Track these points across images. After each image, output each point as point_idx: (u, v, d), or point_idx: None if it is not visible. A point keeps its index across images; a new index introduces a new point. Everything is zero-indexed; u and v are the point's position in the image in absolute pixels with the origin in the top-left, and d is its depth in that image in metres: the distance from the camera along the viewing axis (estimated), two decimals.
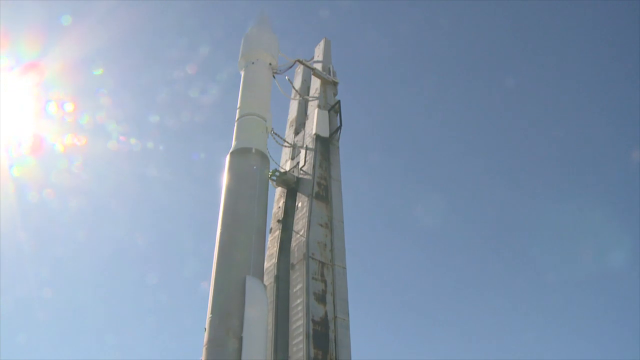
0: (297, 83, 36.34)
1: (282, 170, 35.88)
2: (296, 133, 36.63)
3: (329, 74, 35.18)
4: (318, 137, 34.13)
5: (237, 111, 32.65)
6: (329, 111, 34.14)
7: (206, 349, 32.16)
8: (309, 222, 33.69)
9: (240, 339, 30.98)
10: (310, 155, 35.07)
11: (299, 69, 36.63)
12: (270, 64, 32.05)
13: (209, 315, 32.53)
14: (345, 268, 33.86)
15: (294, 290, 33.04)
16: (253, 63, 31.85)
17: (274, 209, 37.61)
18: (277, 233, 36.48)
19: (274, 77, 32.42)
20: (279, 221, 36.59)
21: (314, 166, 34.64)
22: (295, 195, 36.11)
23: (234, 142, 33.10)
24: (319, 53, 36.31)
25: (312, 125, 34.58)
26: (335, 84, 35.25)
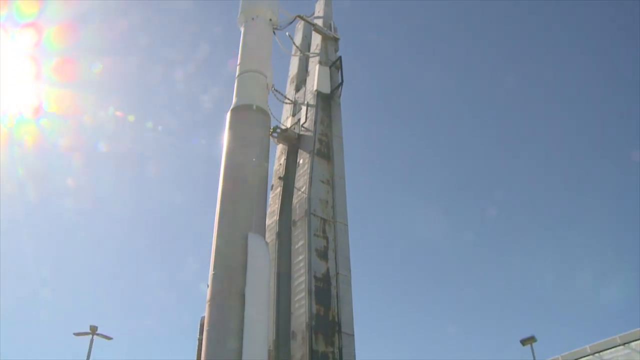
0: (298, 39, 35.62)
1: (283, 127, 35.46)
2: (297, 90, 36.07)
3: (330, 30, 34.41)
4: (319, 94, 33.59)
5: (237, 68, 32.04)
6: (330, 67, 33.49)
7: (209, 305, 32.34)
8: (311, 178, 33.47)
9: (243, 295, 31.12)
10: (312, 111, 34.61)
11: (300, 25, 35.86)
12: (270, 19, 31.29)
13: (211, 271, 32.60)
14: (346, 225, 33.79)
15: (296, 247, 32.91)
16: (253, 19, 31.12)
17: (275, 166, 37.34)
18: (279, 190, 36.31)
19: (274, 33, 31.72)
20: (280, 178, 36.38)
21: (315, 123, 34.23)
22: (297, 152, 35.77)
23: (234, 99, 32.60)
24: (319, 9, 35.48)
25: (313, 82, 33.98)
26: (336, 40, 34.49)
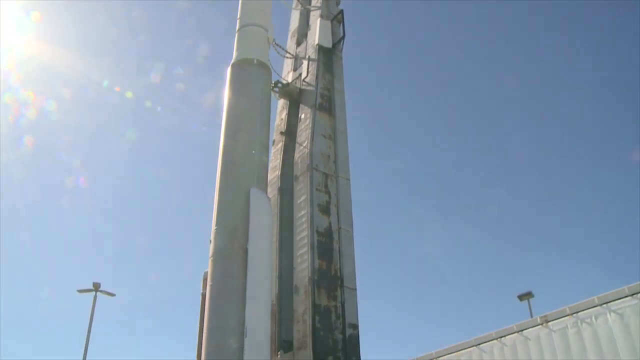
0: None
1: (284, 82, 34.83)
2: (298, 44, 35.29)
3: None
4: (320, 48, 32.91)
5: (237, 22, 31.25)
6: (331, 21, 32.69)
7: (212, 260, 32.27)
8: (313, 133, 33.03)
9: (246, 250, 31.04)
10: (313, 66, 33.94)
11: None
12: None
13: (213, 227, 32.43)
14: (349, 179, 33.49)
15: (298, 201, 32.86)
16: None
17: (277, 121, 36.85)
18: (280, 145, 35.90)
19: None
20: (281, 133, 35.91)
21: (316, 77, 33.59)
22: (298, 106, 35.21)
23: (234, 53, 31.91)
24: None
25: (315, 36, 33.22)
26: None
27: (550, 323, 12.46)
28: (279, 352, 31.37)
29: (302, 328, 30.28)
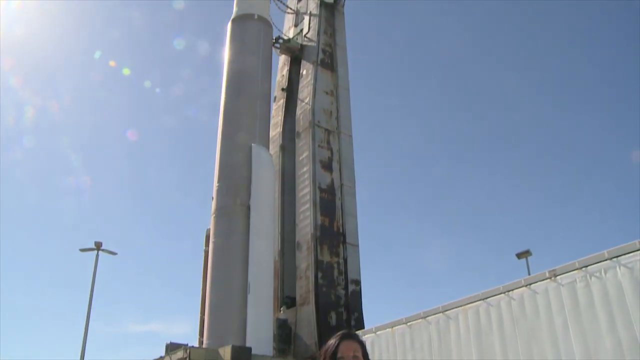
0: None
1: (285, 38, 34.10)
2: None
3: None
4: (322, 3, 32.17)
5: None
6: None
7: (214, 217, 32.16)
8: (314, 89, 32.46)
9: (248, 207, 30.88)
10: (315, 21, 33.19)
11: None
12: None
13: (216, 184, 32.19)
14: (351, 136, 33.09)
15: (300, 158, 32.76)
16: None
17: (278, 77, 36.24)
18: (282, 102, 35.41)
19: None
20: (283, 89, 35.38)
21: (318, 33, 32.91)
22: (300, 62, 34.59)
23: (234, 8, 31.20)
24: None
25: None
26: None
27: (558, 277, 12.28)
28: (281, 308, 31.52)
29: (305, 284, 30.34)
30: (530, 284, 12.54)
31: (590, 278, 11.70)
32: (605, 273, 11.54)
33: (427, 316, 14.59)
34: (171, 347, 30.65)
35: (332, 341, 2.85)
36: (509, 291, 12.86)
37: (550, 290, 12.16)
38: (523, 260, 28.23)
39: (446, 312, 14.09)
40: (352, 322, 27.79)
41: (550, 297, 12.12)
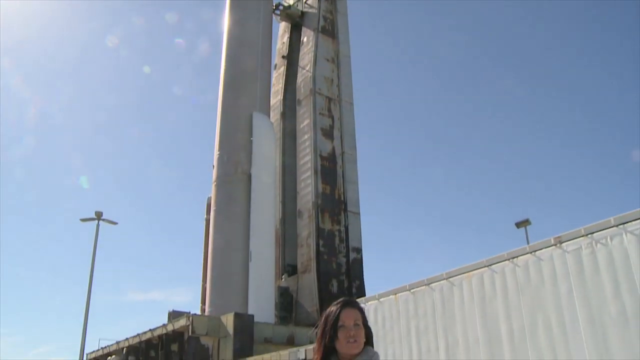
0: None
1: (285, 4, 33.58)
2: None
3: None
4: None
5: None
6: None
7: (215, 185, 32.09)
8: (315, 57, 32.03)
9: (249, 175, 30.83)
10: None
11: None
12: None
13: (216, 152, 32.07)
14: (352, 104, 32.79)
15: (301, 126, 32.75)
16: None
17: (278, 45, 35.81)
18: (282, 69, 35.06)
19: None
20: (283, 57, 35.01)
21: None
22: (300, 30, 34.16)
23: None
24: None
25: None
26: None
27: (564, 244, 12.19)
28: (283, 276, 31.67)
29: (306, 252, 30.40)
30: (535, 251, 12.43)
31: (596, 245, 11.58)
32: (611, 240, 11.43)
33: (431, 283, 14.53)
34: (173, 315, 30.85)
35: (333, 308, 2.81)
36: (513, 258, 12.76)
37: (555, 257, 12.06)
38: (522, 229, 28.41)
39: (450, 279, 14.03)
40: (353, 290, 27.90)
41: (555, 264, 12.03)
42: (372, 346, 2.95)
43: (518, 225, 27.59)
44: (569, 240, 12.04)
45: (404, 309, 15.03)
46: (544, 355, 11.92)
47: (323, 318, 2.85)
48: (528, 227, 27.55)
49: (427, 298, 14.55)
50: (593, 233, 11.91)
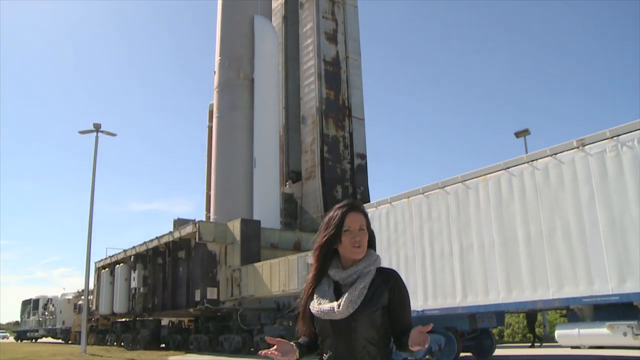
0: None
1: None
2: None
3: None
4: None
5: None
6: None
7: (217, 91, 31.24)
8: None
9: (252, 80, 29.98)
10: None
11: None
12: None
13: (217, 57, 31.01)
14: (356, 6, 31.20)
15: (304, 30, 31.47)
16: None
17: None
18: None
19: None
20: None
21: None
22: None
23: None
24: None
25: None
26: None
27: (587, 147, 11.76)
28: (287, 183, 31.42)
29: (311, 158, 30.03)
30: (556, 154, 12.03)
31: (622, 147, 11.18)
32: (638, 142, 11.04)
33: (445, 186, 14.21)
34: (179, 223, 30.86)
35: (337, 211, 2.65)
36: (532, 161, 12.36)
37: (577, 160, 11.68)
38: (521, 139, 28.05)
39: (465, 182, 13.70)
40: (358, 196, 27.72)
41: (576, 167, 11.66)
42: (375, 249, 2.73)
43: (517, 134, 27.27)
44: (593, 142, 11.62)
45: (417, 212, 14.80)
46: (561, 259, 11.77)
47: (326, 220, 2.68)
48: (527, 138, 27.29)
49: (442, 201, 14.29)
50: (619, 135, 11.48)
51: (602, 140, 11.45)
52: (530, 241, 12.29)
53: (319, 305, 2.57)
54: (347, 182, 27.96)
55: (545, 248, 11.95)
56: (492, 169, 13.23)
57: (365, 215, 2.66)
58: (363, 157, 28.83)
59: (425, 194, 14.70)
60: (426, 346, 2.37)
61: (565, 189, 11.84)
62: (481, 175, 13.44)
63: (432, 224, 14.40)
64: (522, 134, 27.32)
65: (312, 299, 2.63)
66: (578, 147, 11.77)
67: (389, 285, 2.57)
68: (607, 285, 10.95)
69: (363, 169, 28.70)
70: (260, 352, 2.51)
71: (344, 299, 2.52)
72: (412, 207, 14.93)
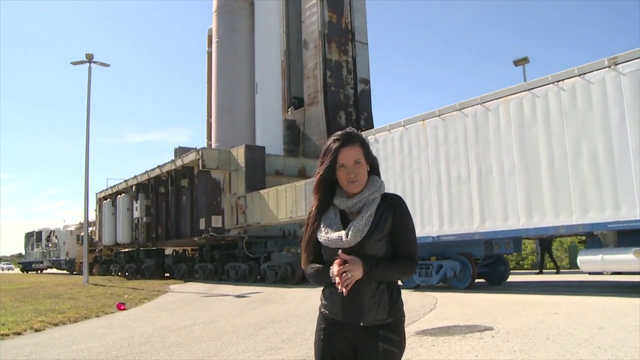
0: None
1: None
2: None
3: None
4: None
5: None
6: None
7: (216, 15, 29.79)
8: None
9: (252, 3, 28.64)
10: None
11: None
12: None
13: None
14: None
15: None
16: None
17: None
18: None
19: None
20: None
21: None
22: None
23: None
24: None
25: None
26: None
27: (619, 65, 11.04)
28: (289, 109, 30.47)
29: (313, 84, 29.02)
30: (585, 74, 11.32)
31: None
32: None
33: (463, 108, 13.53)
34: (180, 151, 30.15)
35: (331, 145, 2.60)
36: (558, 81, 11.66)
37: (608, 80, 10.97)
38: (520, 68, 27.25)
39: (485, 104, 13.01)
40: (362, 122, 27.02)
41: (607, 87, 10.97)
42: (379, 175, 2.70)
43: (516, 63, 26.49)
44: (626, 61, 10.91)
45: (432, 135, 14.15)
46: (586, 184, 11.21)
47: (323, 151, 2.64)
48: (526, 67, 26.53)
49: (459, 124, 13.62)
50: (617, 64, 10.84)
51: (637, 58, 10.74)
52: (553, 165, 11.73)
53: (327, 234, 2.54)
54: (350, 108, 27.18)
55: (570, 172, 11.40)
56: (514, 90, 12.52)
57: (363, 144, 2.60)
58: (367, 82, 27.92)
59: (441, 116, 14.03)
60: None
61: (593, 110, 11.18)
62: (502, 97, 12.75)
63: (448, 148, 13.79)
64: (521, 62, 26.53)
65: (318, 228, 2.59)
66: (610, 66, 11.04)
67: (393, 212, 2.56)
68: (635, 210, 10.45)
69: (367, 94, 27.84)
70: (333, 274, 2.42)
71: (352, 227, 2.50)
72: (428, 130, 14.28)
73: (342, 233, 2.50)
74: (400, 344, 2.52)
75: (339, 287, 2.36)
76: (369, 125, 25.83)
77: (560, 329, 7.52)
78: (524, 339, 6.97)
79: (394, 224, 2.54)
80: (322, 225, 2.57)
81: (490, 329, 7.89)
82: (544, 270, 20.51)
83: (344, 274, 2.38)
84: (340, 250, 2.44)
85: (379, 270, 2.47)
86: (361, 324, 2.49)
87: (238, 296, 16.28)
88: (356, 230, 2.48)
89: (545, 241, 19.48)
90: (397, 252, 2.55)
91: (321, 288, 2.68)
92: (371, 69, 28.57)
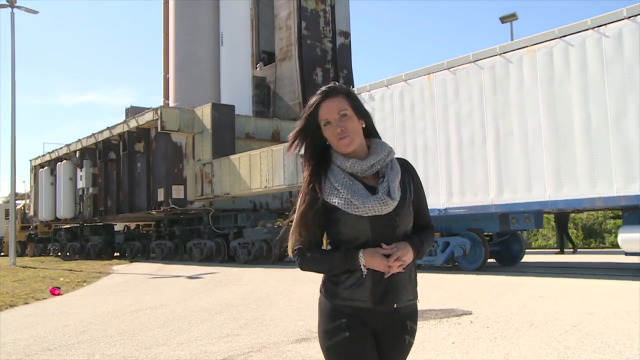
0: None
1: None
2: None
3: None
4: None
5: None
6: None
7: None
8: None
9: None
10: None
11: None
12: None
13: None
14: None
15: None
16: None
17: None
18: None
19: None
20: None
21: None
22: None
23: None
24: None
25: None
26: None
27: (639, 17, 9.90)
28: (258, 65, 28.66)
29: (286, 36, 27.29)
30: (598, 27, 10.15)
31: None
32: None
33: (478, 60, 12.27)
34: (133, 111, 28.20)
35: (312, 100, 2.29)
36: (599, 26, 10.47)
37: (625, 33, 9.75)
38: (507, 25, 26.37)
39: (505, 55, 11.78)
40: (340, 81, 25.59)
41: (624, 41, 9.82)
42: (379, 137, 2.38)
43: (503, 19, 25.52)
44: (576, 32, 9.92)
45: (440, 91, 12.85)
46: (632, 148, 10.10)
47: (302, 112, 2.34)
48: (514, 23, 25.59)
49: (473, 78, 12.34)
50: (600, 26, 9.87)
51: (584, 30, 9.78)
52: (590, 126, 10.55)
53: (357, 202, 2.19)
54: (328, 64, 25.79)
55: (611, 135, 10.23)
56: (543, 38, 11.28)
57: (349, 95, 2.30)
58: (347, 35, 26.48)
59: (451, 69, 12.71)
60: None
61: None
62: (526, 46, 11.52)
63: (459, 106, 12.53)
64: (508, 18, 25.55)
65: (330, 197, 2.22)
66: (628, 17, 9.91)
67: (412, 178, 2.38)
68: None
69: (347, 49, 26.42)
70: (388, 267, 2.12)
71: (389, 189, 2.23)
72: (434, 86, 12.97)
73: (382, 196, 2.19)
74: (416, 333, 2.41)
75: (387, 271, 2.17)
76: (348, 83, 24.49)
77: (545, 314, 7.35)
78: (506, 325, 6.81)
79: (415, 190, 2.37)
80: (339, 193, 2.22)
81: (469, 313, 7.70)
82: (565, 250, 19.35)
83: (397, 260, 2.16)
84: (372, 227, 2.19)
85: (423, 250, 2.34)
86: (395, 306, 2.29)
87: (191, 277, 15.37)
88: (394, 192, 2.22)
89: (562, 217, 18.44)
90: (417, 223, 2.37)
91: (320, 275, 2.35)
92: (352, 20, 27.14)
